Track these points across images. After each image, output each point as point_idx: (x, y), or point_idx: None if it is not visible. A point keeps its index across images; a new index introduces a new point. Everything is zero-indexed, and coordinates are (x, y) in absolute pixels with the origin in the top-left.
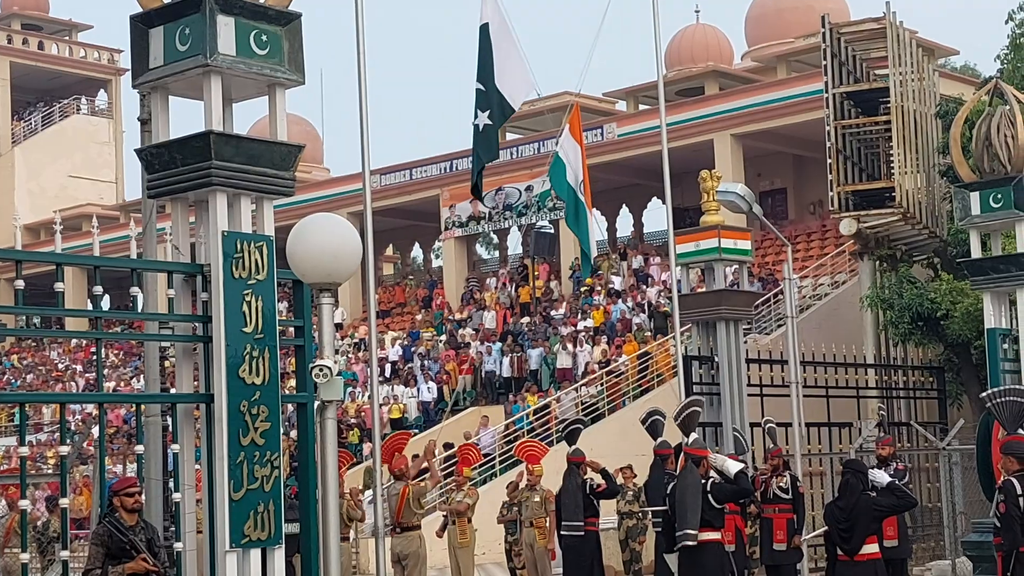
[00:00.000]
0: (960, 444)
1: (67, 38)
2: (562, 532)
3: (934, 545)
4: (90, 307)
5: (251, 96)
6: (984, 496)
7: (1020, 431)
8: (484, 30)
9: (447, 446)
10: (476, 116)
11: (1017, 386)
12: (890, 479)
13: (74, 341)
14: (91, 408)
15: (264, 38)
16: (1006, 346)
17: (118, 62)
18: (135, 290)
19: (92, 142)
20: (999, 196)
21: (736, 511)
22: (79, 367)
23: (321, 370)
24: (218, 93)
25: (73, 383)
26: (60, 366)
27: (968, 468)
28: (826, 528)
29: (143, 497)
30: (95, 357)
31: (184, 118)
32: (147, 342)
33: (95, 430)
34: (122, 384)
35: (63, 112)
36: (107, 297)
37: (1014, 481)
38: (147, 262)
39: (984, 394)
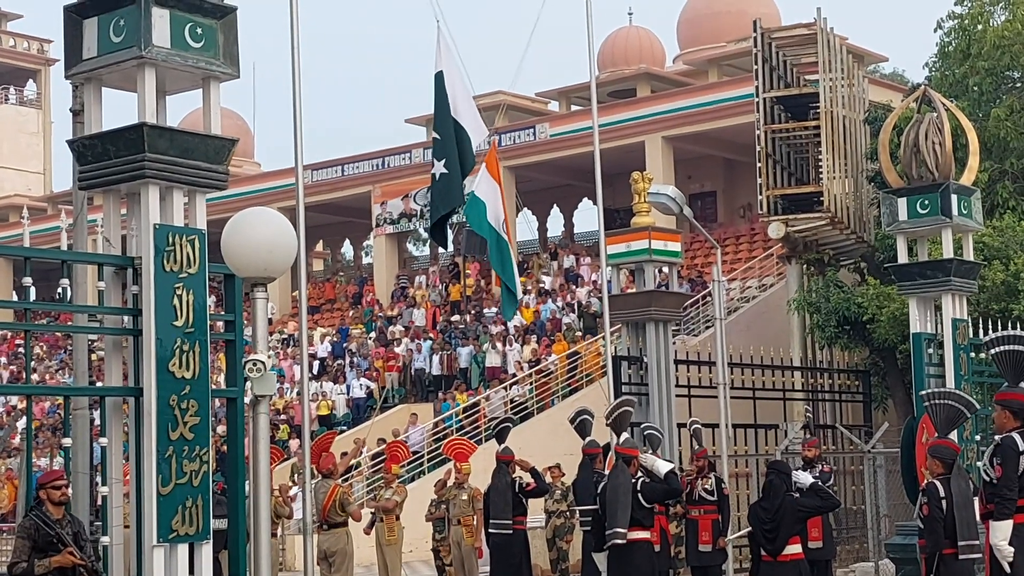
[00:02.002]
0: (884, 447)
1: None
2: (490, 530)
3: (858, 547)
4: (16, 298)
5: (185, 89)
6: (908, 499)
7: (949, 436)
8: (439, 78)
9: (380, 441)
10: (433, 165)
11: (955, 391)
12: (813, 480)
13: None
14: (15, 401)
15: (199, 31)
16: (931, 351)
17: (48, 52)
18: (64, 282)
19: (21, 132)
20: (926, 202)
21: (662, 511)
22: (3, 359)
23: (255, 365)
24: (152, 85)
25: None
26: None
27: (892, 471)
28: (750, 529)
29: (70, 490)
30: (21, 349)
31: (116, 110)
32: (76, 335)
33: (20, 423)
34: (47, 377)
35: None
36: (33, 289)
37: (938, 484)
38: (78, 254)
39: (923, 392)
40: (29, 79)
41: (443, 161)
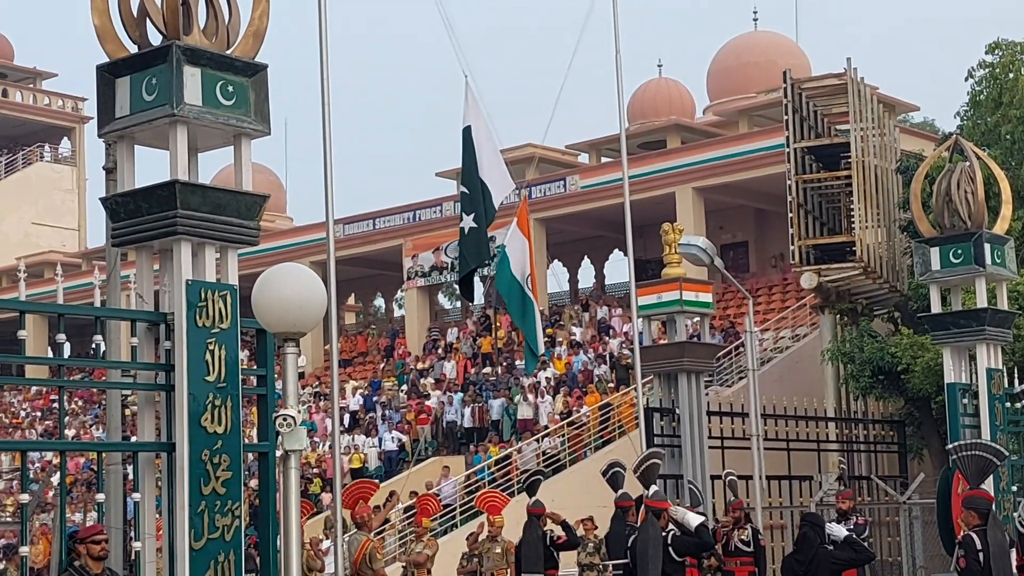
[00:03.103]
0: (920, 498)
1: (31, 86)
2: None
3: None
4: (51, 354)
5: (217, 146)
6: (944, 550)
7: (982, 486)
8: (467, 132)
9: (413, 495)
10: (462, 219)
11: (983, 440)
12: (848, 533)
13: (33, 388)
14: (49, 456)
15: (230, 89)
16: (966, 401)
17: (82, 110)
18: (98, 338)
19: (55, 189)
20: (959, 252)
21: (694, 564)
22: (38, 414)
23: (285, 420)
24: (184, 143)
25: (32, 430)
26: (21, 413)
27: (928, 522)
28: None
29: (109, 545)
30: (55, 404)
31: (149, 167)
32: (109, 390)
33: (55, 478)
34: (82, 432)
35: (26, 159)
36: (67, 345)
37: (974, 536)
38: (111, 310)
39: (949, 447)
40: (64, 136)
41: (471, 215)
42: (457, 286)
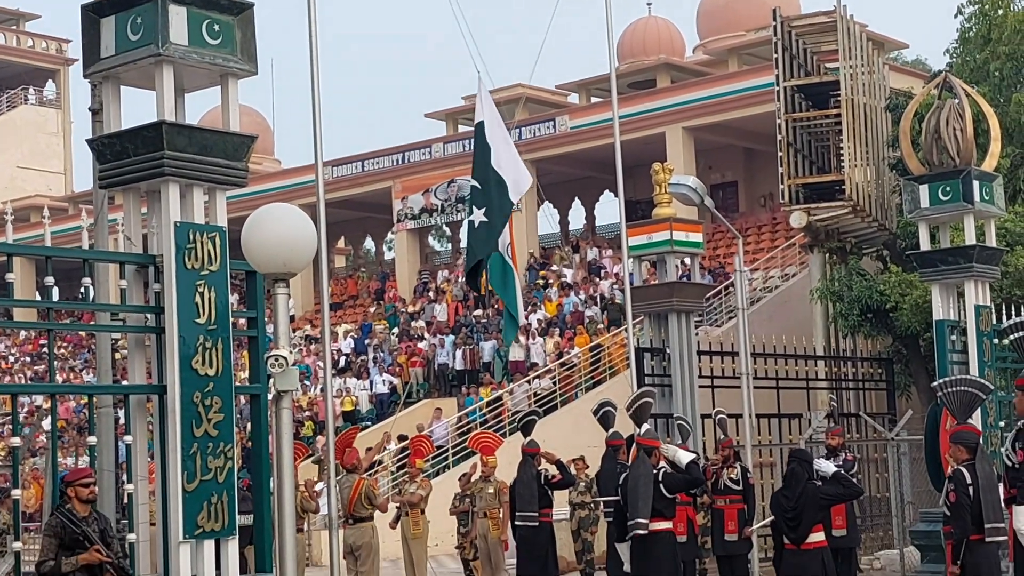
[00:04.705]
0: (908, 434)
1: (14, 27)
2: (516, 523)
3: (882, 535)
4: (39, 298)
5: (203, 86)
6: (932, 486)
7: (969, 421)
8: (480, 128)
9: (401, 438)
10: (472, 212)
11: (968, 376)
12: (836, 468)
13: (22, 333)
14: (40, 401)
15: (216, 28)
16: (954, 337)
17: (67, 52)
18: (87, 281)
19: (40, 133)
20: (948, 189)
21: (688, 502)
22: (27, 359)
23: (277, 360)
24: (170, 83)
25: (21, 375)
26: (9, 359)
27: (916, 458)
28: (772, 517)
29: (97, 488)
30: (45, 349)
31: (135, 108)
32: (99, 333)
33: (45, 422)
34: (72, 376)
35: (11, 103)
36: (56, 289)
37: (964, 470)
38: (99, 253)
39: (935, 384)
40: (48, 79)
41: (483, 209)
42: (464, 279)
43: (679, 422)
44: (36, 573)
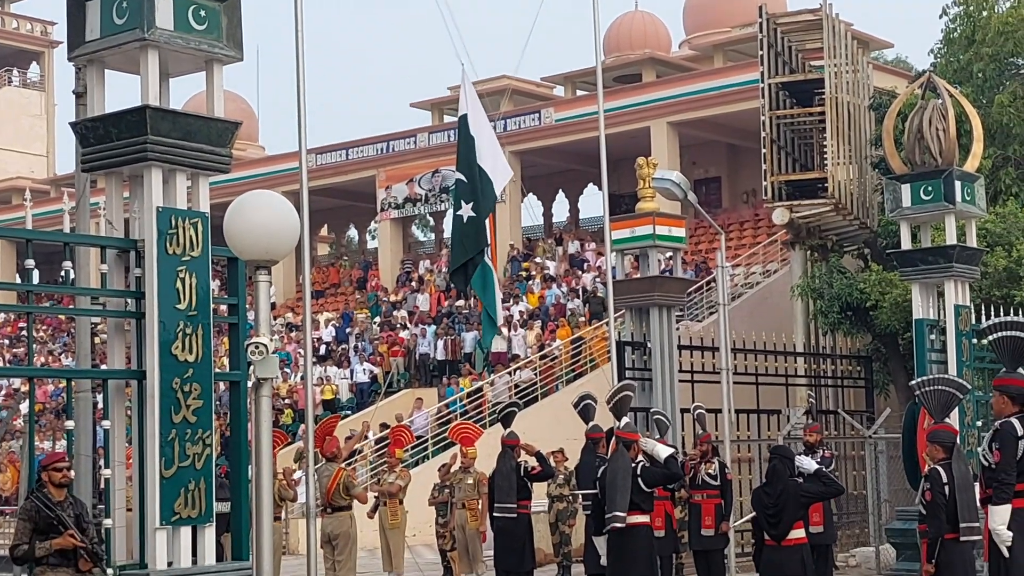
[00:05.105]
0: (886, 433)
1: None
2: (495, 514)
3: (859, 532)
4: (19, 280)
5: (188, 71)
6: (909, 484)
7: (946, 420)
8: (463, 121)
9: (383, 426)
10: (459, 207)
11: (946, 375)
12: (817, 466)
13: (1, 315)
14: (18, 384)
15: (203, 13)
16: (933, 337)
17: (51, 34)
18: (67, 264)
19: (24, 115)
20: (929, 188)
21: (666, 496)
22: (5, 342)
23: (257, 347)
24: (155, 68)
25: None
26: None
27: (893, 457)
28: (754, 514)
29: (72, 472)
30: (24, 332)
31: (120, 92)
32: (79, 317)
33: (23, 406)
34: (51, 360)
35: None
36: (36, 271)
37: (940, 469)
38: (80, 236)
39: (913, 382)
40: (32, 61)
41: (470, 204)
42: (449, 278)
43: (657, 416)
44: (9, 557)
